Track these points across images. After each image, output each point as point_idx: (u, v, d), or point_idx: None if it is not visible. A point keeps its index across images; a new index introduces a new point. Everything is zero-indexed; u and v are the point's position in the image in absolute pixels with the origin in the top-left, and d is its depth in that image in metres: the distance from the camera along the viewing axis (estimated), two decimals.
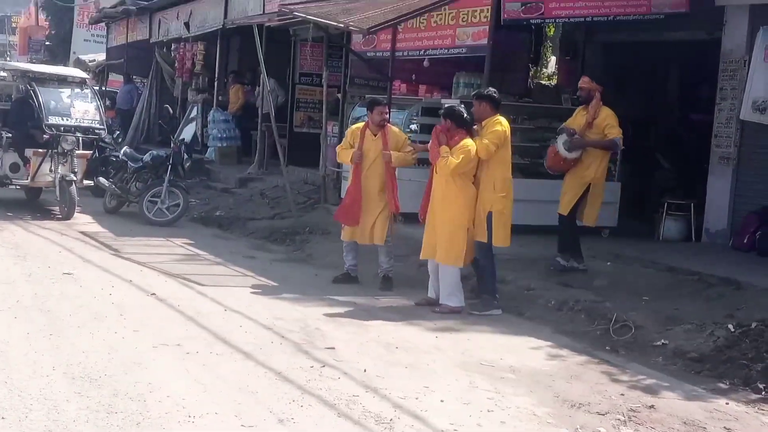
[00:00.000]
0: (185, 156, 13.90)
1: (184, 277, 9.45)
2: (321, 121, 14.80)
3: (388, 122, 9.79)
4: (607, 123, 9.55)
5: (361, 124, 9.77)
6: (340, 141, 14.27)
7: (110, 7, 26.17)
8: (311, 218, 13.11)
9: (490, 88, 8.92)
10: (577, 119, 9.74)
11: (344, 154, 9.69)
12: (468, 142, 8.36)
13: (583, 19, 11.65)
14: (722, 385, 6.68)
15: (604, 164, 9.68)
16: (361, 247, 9.70)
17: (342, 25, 11.71)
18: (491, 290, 8.68)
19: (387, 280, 9.54)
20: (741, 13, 11.16)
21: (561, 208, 9.68)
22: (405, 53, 13.10)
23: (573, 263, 9.64)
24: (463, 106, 8.89)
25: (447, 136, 8.46)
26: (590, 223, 9.72)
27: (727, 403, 6.26)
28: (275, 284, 9.44)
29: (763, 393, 6.47)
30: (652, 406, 6.06)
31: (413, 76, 13.36)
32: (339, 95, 15.18)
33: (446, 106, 8.88)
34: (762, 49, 10.68)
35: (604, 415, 5.85)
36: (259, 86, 18.66)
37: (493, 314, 8.51)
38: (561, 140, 9.57)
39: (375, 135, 9.46)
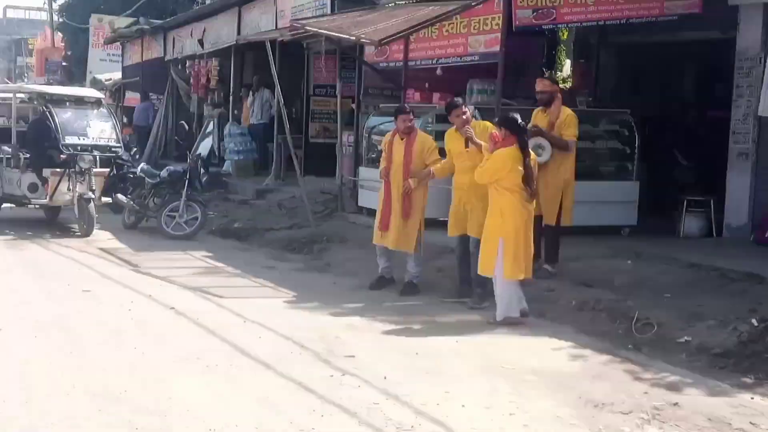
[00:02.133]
0: (202, 170, 13.95)
1: (203, 290, 9.45)
2: (336, 132, 14.82)
3: (416, 128, 9.77)
4: (565, 124, 9.44)
5: (392, 131, 9.84)
6: (356, 150, 14.39)
7: (124, 27, 26.35)
8: (329, 227, 13.11)
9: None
10: (537, 120, 9.64)
11: (381, 165, 9.85)
12: (498, 152, 8.24)
13: (595, 23, 11.57)
14: (747, 380, 6.59)
15: (572, 165, 9.57)
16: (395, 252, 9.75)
17: (354, 38, 11.70)
18: (485, 282, 8.76)
19: (410, 286, 9.57)
20: (755, 12, 11.06)
21: (547, 219, 9.50)
22: (418, 62, 13.10)
23: (555, 269, 9.54)
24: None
25: (500, 144, 8.31)
26: (568, 224, 9.54)
27: (752, 398, 6.17)
28: (294, 294, 9.42)
29: None
30: (676, 404, 5.98)
31: (426, 85, 13.36)
32: (353, 105, 15.19)
33: (501, 113, 8.74)
34: None
35: (627, 414, 5.77)
36: (251, 96, 18.82)
37: (485, 307, 8.66)
38: (531, 144, 9.40)
39: (402, 140, 9.53)
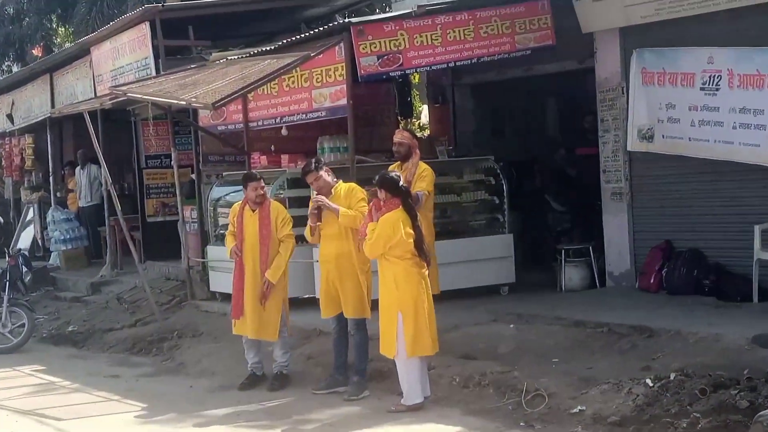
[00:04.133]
0: (24, 268, 13.56)
1: (39, 413, 9.13)
2: (177, 207, 14.65)
3: (267, 197, 9.80)
4: (419, 177, 9.59)
5: (240, 202, 9.77)
6: (201, 227, 14.23)
7: None
8: (179, 320, 12.89)
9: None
10: None
11: (228, 242, 9.71)
12: (384, 218, 8.20)
13: (446, 65, 11.89)
14: None
15: (429, 224, 9.71)
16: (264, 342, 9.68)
17: (184, 102, 11.64)
18: (363, 370, 8.85)
19: (279, 378, 9.51)
20: (611, 37, 11.59)
21: None
22: (260, 123, 13.11)
23: None
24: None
25: (383, 208, 8.28)
26: (436, 292, 9.24)
27: None
28: (144, 405, 9.20)
29: None
30: None
31: (272, 147, 13.37)
32: (193, 176, 15.06)
33: (380, 173, 8.71)
34: (638, 74, 11.14)
35: None
36: (77, 174, 18.44)
37: (363, 397, 8.72)
38: None
39: (253, 211, 9.46)
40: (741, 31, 10.24)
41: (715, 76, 10.40)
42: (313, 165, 9.18)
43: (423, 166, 9.77)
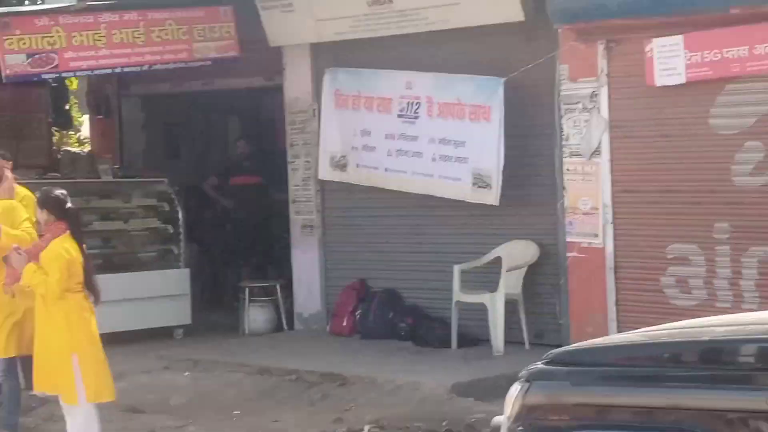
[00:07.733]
0: None
1: None
2: None
3: None
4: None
5: None
6: None
7: None
8: None
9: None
10: None
11: None
12: (51, 249, 7.84)
13: (111, 71, 12.15)
14: None
15: None
16: None
17: None
18: (15, 425, 8.70)
19: None
20: (301, 54, 12.40)
21: None
22: None
23: None
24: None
25: (47, 234, 7.96)
26: None
27: None
28: None
29: None
30: None
31: None
32: None
33: (42, 189, 8.28)
34: (331, 95, 11.96)
35: None
36: None
37: None
38: None
39: None
40: (440, 57, 11.26)
41: (413, 102, 11.37)
42: None
43: (24, 192, 9.28)
